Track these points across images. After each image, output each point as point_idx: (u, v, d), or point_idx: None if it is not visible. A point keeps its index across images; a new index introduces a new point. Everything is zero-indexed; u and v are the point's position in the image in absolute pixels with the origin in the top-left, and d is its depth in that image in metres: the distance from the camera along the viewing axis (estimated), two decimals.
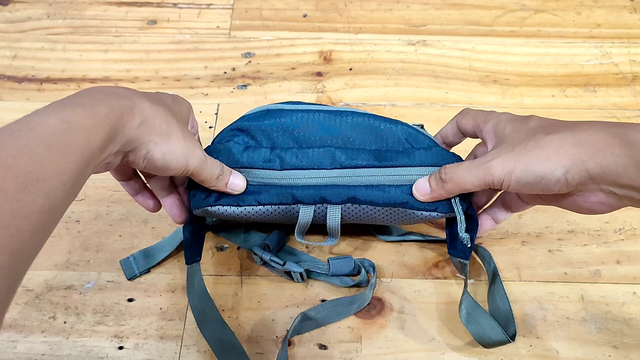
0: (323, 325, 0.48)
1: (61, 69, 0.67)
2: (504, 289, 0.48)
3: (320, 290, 0.50)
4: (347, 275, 0.50)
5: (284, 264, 0.49)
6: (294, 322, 0.46)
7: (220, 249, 0.53)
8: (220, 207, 0.43)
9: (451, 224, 0.48)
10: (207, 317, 0.47)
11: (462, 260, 0.47)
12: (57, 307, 0.50)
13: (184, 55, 0.68)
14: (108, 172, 0.40)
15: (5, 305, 0.26)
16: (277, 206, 0.43)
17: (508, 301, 0.47)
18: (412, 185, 0.43)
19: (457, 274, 0.50)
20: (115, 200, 0.56)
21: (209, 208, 0.43)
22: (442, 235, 0.53)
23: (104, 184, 0.57)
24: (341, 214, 0.43)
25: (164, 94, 0.41)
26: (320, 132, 0.44)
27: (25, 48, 0.69)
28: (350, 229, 0.53)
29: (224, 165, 0.42)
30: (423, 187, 0.42)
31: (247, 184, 0.43)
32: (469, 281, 0.47)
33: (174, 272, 0.52)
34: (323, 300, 0.50)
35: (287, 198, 0.42)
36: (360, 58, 0.68)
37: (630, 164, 0.33)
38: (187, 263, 0.47)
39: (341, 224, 0.44)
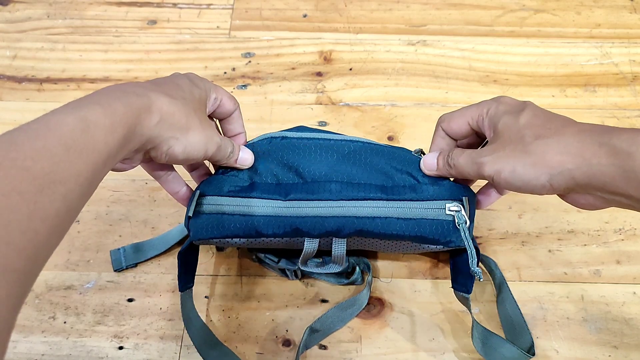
0: (329, 334, 0.48)
1: (61, 69, 0.67)
2: (513, 297, 0.48)
3: (319, 290, 0.50)
4: (342, 273, 0.50)
5: (279, 261, 0.49)
6: (303, 337, 0.46)
7: (221, 249, 0.53)
8: (221, 239, 0.42)
9: (455, 256, 0.46)
10: (208, 344, 0.46)
11: (464, 294, 0.44)
12: (57, 307, 0.50)
13: (184, 55, 0.68)
14: (118, 171, 0.39)
15: (19, 308, 0.26)
16: (279, 238, 0.42)
17: (519, 309, 0.47)
18: (420, 221, 0.42)
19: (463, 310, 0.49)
20: (115, 200, 0.56)
21: (210, 239, 0.43)
22: None
23: (104, 184, 0.57)
24: (347, 243, 0.43)
25: (181, 78, 0.40)
26: (325, 167, 0.43)
27: (25, 48, 0.69)
28: None
29: (234, 142, 0.43)
30: (431, 164, 0.43)
31: (250, 214, 0.41)
32: (474, 310, 0.46)
33: (174, 272, 0.51)
34: (323, 300, 0.50)
35: (290, 230, 0.41)
36: (360, 58, 0.68)
37: (617, 173, 0.33)
38: (180, 290, 0.46)
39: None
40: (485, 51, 0.68)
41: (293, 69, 0.67)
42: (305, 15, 0.72)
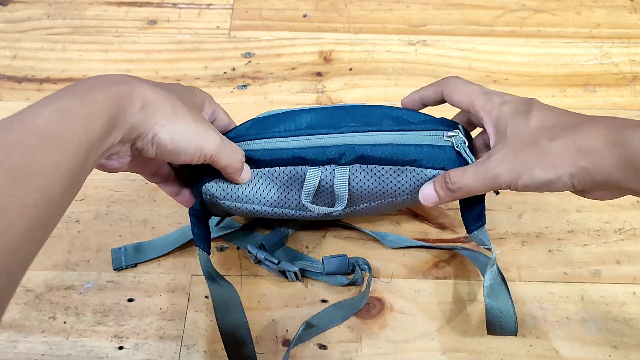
0: (325, 330, 0.48)
1: (61, 69, 0.67)
2: (505, 284, 0.45)
3: (319, 290, 0.50)
4: (342, 274, 0.50)
5: (279, 263, 0.49)
6: (298, 331, 0.46)
7: (221, 249, 0.53)
8: (221, 182, 0.43)
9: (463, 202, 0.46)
10: (227, 303, 0.44)
11: (480, 230, 0.44)
12: (57, 307, 0.50)
13: (184, 55, 0.68)
14: (110, 171, 0.38)
15: (2, 307, 0.25)
16: (283, 168, 0.43)
17: (510, 298, 0.45)
18: (420, 146, 0.43)
19: (483, 247, 0.46)
20: (115, 200, 0.56)
21: (211, 183, 0.43)
22: (447, 235, 0.54)
23: (103, 184, 0.57)
24: (349, 179, 0.43)
25: (176, 84, 0.40)
26: (327, 121, 0.45)
27: (25, 48, 0.69)
28: (349, 233, 0.53)
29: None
30: (430, 195, 0.42)
31: (253, 149, 0.43)
32: (495, 252, 0.43)
33: (174, 272, 0.52)
34: (323, 300, 0.50)
35: (292, 157, 0.43)
36: (360, 58, 0.68)
37: (630, 173, 0.33)
38: (196, 245, 0.44)
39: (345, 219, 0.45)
40: (485, 51, 0.68)
41: (293, 69, 0.67)
42: (305, 15, 0.72)
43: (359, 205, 0.46)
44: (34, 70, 0.67)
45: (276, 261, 0.49)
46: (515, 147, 0.38)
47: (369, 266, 0.50)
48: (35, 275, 0.51)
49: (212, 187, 0.44)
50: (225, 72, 0.67)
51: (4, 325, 0.48)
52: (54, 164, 0.27)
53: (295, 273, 0.49)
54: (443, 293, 0.50)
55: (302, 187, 0.44)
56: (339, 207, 0.44)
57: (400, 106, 0.48)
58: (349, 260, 0.50)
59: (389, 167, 0.43)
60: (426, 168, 0.43)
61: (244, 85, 0.66)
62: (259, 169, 0.44)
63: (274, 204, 0.45)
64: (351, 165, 0.43)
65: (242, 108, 0.63)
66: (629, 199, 0.56)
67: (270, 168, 0.43)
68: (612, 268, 0.52)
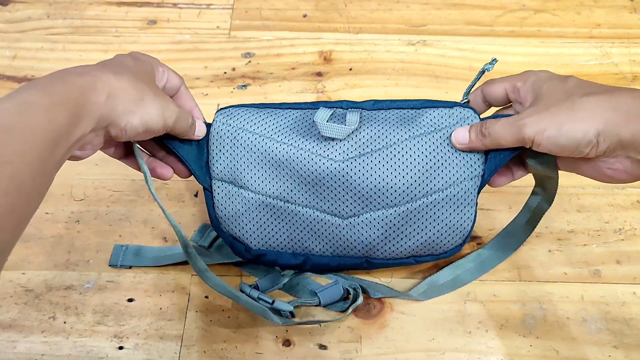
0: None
1: (61, 69, 0.67)
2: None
3: None
4: (339, 300, 0.49)
5: (273, 302, 0.46)
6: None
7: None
8: (245, 108, 0.46)
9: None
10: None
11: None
12: (57, 307, 0.50)
13: (183, 55, 0.68)
14: (82, 159, 0.38)
15: None
16: (294, 110, 0.46)
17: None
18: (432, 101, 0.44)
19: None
20: (115, 200, 0.56)
21: (237, 108, 0.46)
22: None
23: (103, 184, 0.57)
24: (360, 113, 0.45)
25: (123, 56, 0.40)
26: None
27: (25, 48, 0.69)
28: None
29: (191, 114, 0.43)
30: (462, 137, 0.42)
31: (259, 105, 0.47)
32: None
33: (174, 272, 0.52)
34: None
35: (311, 103, 0.46)
36: (360, 58, 0.68)
37: None
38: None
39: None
40: (485, 51, 0.68)
41: (293, 69, 0.67)
42: (305, 15, 0.72)
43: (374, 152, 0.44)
44: (34, 70, 0.67)
45: (270, 300, 0.46)
46: (548, 103, 0.38)
47: (362, 289, 0.49)
48: (35, 275, 0.51)
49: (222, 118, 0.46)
50: (225, 72, 0.67)
51: (4, 325, 0.48)
52: (21, 154, 0.28)
53: (291, 312, 0.47)
54: None
55: (312, 125, 0.45)
56: (353, 126, 0.43)
57: None
58: (343, 286, 0.48)
59: (404, 110, 0.45)
60: (437, 107, 0.44)
61: (244, 85, 0.66)
62: (267, 109, 0.46)
63: (280, 139, 0.44)
64: (362, 110, 0.45)
65: None
66: (629, 198, 0.56)
67: (280, 109, 0.46)
68: (612, 268, 0.52)
